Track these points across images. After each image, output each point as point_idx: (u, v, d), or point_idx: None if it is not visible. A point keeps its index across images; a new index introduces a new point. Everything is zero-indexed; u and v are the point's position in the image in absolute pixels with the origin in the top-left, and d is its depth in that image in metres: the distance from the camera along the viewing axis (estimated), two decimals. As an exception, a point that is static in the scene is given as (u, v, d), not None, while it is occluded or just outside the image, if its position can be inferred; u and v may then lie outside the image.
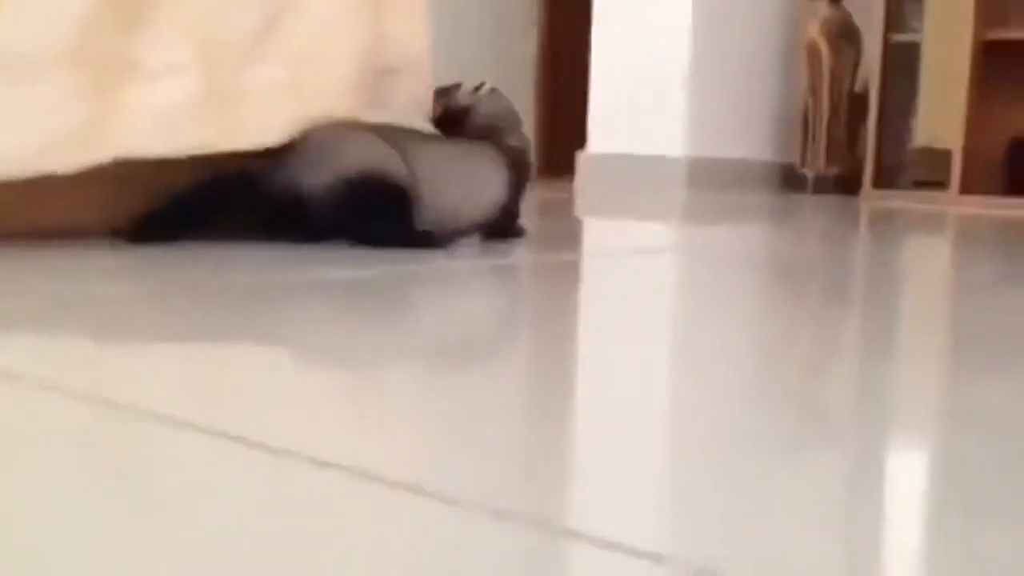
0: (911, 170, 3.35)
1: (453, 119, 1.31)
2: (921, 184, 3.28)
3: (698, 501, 0.35)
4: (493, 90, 1.34)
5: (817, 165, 3.66)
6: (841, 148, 3.66)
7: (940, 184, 3.17)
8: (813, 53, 3.60)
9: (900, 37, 3.28)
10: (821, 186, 3.65)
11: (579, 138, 3.59)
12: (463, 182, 1.22)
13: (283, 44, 1.23)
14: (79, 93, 1.03)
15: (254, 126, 1.18)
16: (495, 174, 1.26)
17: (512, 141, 1.30)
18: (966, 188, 3.11)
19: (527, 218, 1.41)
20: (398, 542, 0.30)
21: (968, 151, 3.10)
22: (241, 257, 1.03)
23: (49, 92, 1.01)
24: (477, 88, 1.33)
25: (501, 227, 1.29)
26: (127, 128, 1.07)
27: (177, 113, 1.11)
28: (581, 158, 3.56)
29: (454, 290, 0.88)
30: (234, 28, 1.19)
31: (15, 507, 0.32)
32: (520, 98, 4.74)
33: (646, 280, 1.02)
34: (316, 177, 1.12)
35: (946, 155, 3.15)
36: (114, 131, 1.06)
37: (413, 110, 1.37)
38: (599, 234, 1.69)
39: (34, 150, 1.00)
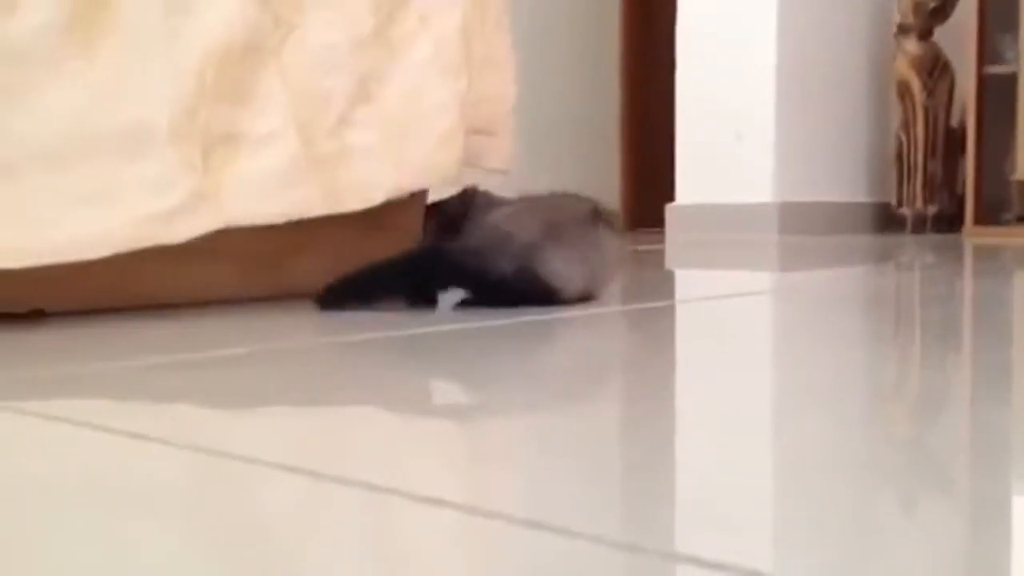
0: (1014, 204, 3.24)
1: (471, 203, 1.31)
2: (1025, 218, 3.16)
3: (803, 525, 0.34)
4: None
5: (915, 204, 3.56)
6: (939, 185, 3.56)
7: (1047, 217, 3.05)
8: (904, 90, 3.52)
9: (995, 69, 3.19)
10: (920, 225, 3.55)
11: (664, 188, 3.56)
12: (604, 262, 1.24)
13: (376, 108, 1.24)
14: (189, 167, 1.05)
15: (351, 189, 1.19)
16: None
17: None
18: (1075, 220, 2.99)
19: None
20: (510, 572, 0.32)
21: (1075, 181, 2.98)
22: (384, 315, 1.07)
23: (162, 167, 1.03)
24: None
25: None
26: (232, 196, 1.09)
27: (277, 178, 1.12)
28: (670, 210, 3.53)
29: (571, 334, 0.98)
30: (328, 92, 1.20)
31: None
32: (605, 149, 4.76)
33: (750, 320, 1.00)
34: (506, 265, 1.11)
35: (1051, 187, 3.03)
36: (220, 200, 1.08)
37: (500, 168, 1.37)
38: (697, 282, 1.66)
39: (146, 222, 1.02)
